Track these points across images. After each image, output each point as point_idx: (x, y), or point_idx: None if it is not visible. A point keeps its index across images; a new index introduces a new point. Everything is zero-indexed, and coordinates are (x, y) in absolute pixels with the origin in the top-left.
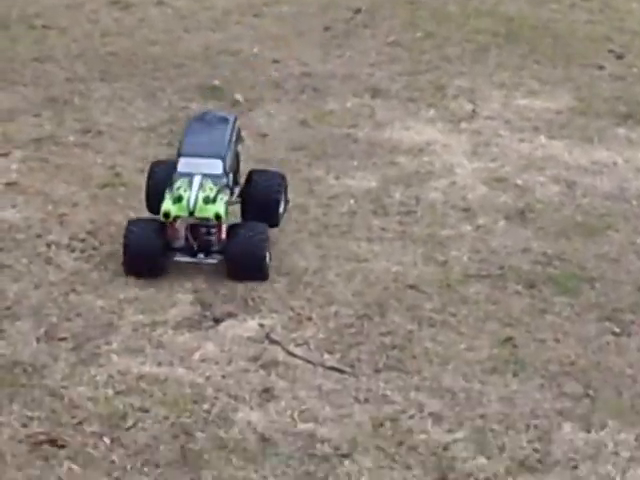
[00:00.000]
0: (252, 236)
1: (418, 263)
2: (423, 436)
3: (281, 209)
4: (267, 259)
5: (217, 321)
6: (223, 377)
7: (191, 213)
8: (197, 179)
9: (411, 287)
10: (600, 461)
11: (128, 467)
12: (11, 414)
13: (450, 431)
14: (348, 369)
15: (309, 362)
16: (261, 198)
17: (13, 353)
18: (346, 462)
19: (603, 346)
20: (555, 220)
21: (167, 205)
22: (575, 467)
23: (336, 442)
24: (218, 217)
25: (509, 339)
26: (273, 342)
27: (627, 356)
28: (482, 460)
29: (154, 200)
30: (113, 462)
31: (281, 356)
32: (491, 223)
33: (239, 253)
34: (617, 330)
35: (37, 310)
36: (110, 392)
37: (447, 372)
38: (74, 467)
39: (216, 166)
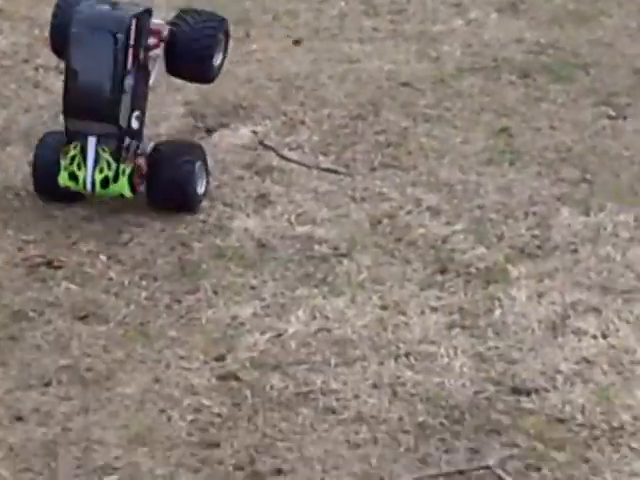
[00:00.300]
0: (177, 167)
1: (411, 60)
2: (421, 230)
3: (216, 60)
4: (198, 191)
5: (210, 131)
6: (218, 186)
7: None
8: (91, 148)
9: (404, 84)
10: (600, 243)
11: (126, 282)
12: (6, 239)
13: (448, 224)
14: (343, 169)
15: (304, 165)
16: (189, 47)
17: (5, 179)
18: (345, 261)
19: (599, 130)
20: (547, 9)
21: (64, 179)
22: (575, 251)
23: (334, 242)
24: (124, 196)
25: (505, 129)
26: (267, 148)
27: (623, 139)
28: (481, 250)
29: (57, 40)
30: (111, 279)
31: (275, 161)
32: (483, 16)
33: (161, 188)
34: (613, 114)
35: (27, 134)
36: (105, 209)
37: (443, 166)
38: (72, 286)
39: (110, 128)
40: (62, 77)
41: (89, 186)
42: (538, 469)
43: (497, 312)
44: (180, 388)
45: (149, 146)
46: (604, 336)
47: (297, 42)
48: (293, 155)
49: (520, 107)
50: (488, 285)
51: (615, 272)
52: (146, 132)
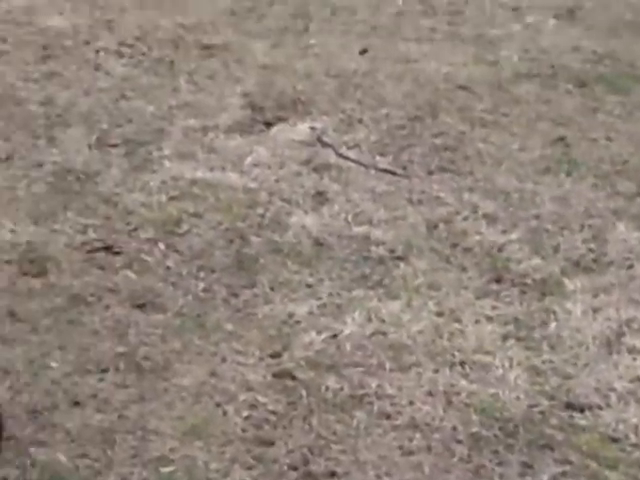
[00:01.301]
0: None
1: (468, 63)
2: (478, 237)
3: None
4: None
5: (268, 125)
6: (276, 181)
7: None
8: None
9: (462, 88)
10: None
11: (184, 273)
12: (66, 221)
13: (504, 232)
14: (401, 171)
15: (361, 164)
16: None
17: (66, 160)
18: (401, 264)
19: None
20: (604, 18)
21: None
22: (630, 267)
23: (391, 245)
24: None
25: (561, 139)
26: (325, 145)
27: None
28: (537, 261)
29: None
30: (168, 268)
31: (333, 159)
32: (540, 22)
33: None
34: None
35: (88, 117)
36: (163, 198)
37: (500, 173)
38: (130, 274)
39: None
40: (122, 61)
41: None
42: None
43: (552, 325)
44: (236, 383)
45: None
46: None
47: (363, 51)
48: (351, 154)
49: (577, 117)
50: (544, 297)
51: None
52: (206, 123)
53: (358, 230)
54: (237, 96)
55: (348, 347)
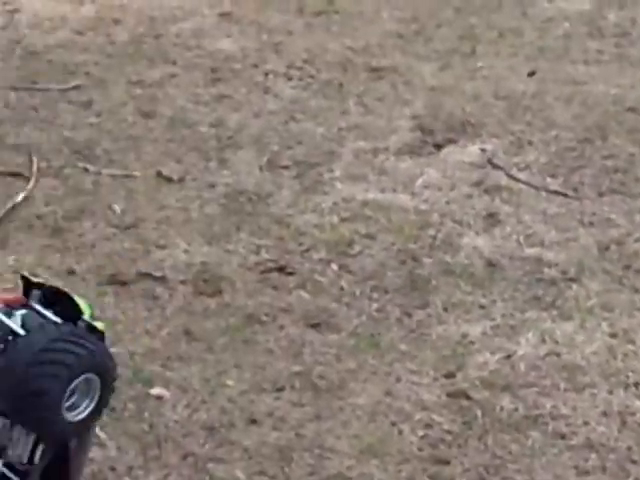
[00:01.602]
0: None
1: (636, 86)
2: None
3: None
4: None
5: (438, 147)
6: (447, 203)
7: None
8: None
9: (631, 110)
10: None
11: (357, 293)
12: (239, 242)
13: None
14: (572, 193)
15: (532, 186)
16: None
17: (237, 182)
18: (574, 286)
19: None
20: None
21: None
22: None
23: (563, 266)
24: None
25: None
26: (495, 167)
27: None
28: None
29: None
30: (342, 288)
31: (504, 181)
32: None
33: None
34: None
35: (258, 139)
36: (335, 219)
37: None
38: (303, 294)
39: None
40: (291, 84)
41: None
42: None
43: None
44: (411, 402)
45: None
46: None
47: (532, 74)
48: (521, 175)
49: None
50: None
51: None
52: (376, 145)
53: (530, 251)
54: (406, 118)
55: (522, 368)
